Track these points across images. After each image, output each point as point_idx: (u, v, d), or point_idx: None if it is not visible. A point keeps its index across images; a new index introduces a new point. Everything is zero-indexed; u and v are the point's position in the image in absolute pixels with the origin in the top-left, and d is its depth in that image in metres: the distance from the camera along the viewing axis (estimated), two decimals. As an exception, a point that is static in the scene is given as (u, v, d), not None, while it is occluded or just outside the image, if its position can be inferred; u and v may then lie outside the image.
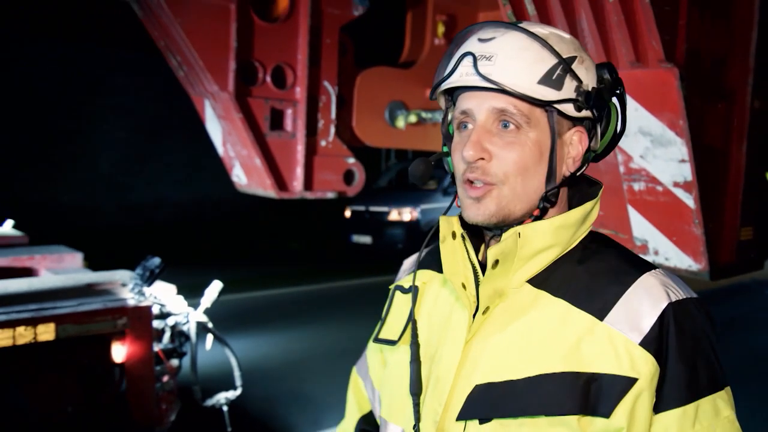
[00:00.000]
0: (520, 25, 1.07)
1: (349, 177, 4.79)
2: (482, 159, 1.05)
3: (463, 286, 1.10)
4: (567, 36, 1.10)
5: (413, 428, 1.10)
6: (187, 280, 4.93)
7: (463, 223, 1.14)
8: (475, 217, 1.07)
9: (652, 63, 2.04)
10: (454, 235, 1.13)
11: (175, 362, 2.53)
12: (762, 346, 7.01)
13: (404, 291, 1.25)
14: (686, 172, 2.25)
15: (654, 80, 2.06)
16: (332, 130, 4.68)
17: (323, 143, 4.66)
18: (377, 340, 1.26)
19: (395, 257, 1.41)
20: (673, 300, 1.02)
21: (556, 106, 1.04)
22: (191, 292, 3.67)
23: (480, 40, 1.07)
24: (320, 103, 4.64)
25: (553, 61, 1.03)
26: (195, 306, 2.58)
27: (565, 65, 1.04)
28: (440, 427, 1.07)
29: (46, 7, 10.35)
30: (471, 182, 1.08)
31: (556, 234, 1.07)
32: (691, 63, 2.24)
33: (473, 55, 1.04)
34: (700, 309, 1.04)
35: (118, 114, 12.25)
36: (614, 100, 1.14)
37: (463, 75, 1.05)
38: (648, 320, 0.99)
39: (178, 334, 2.49)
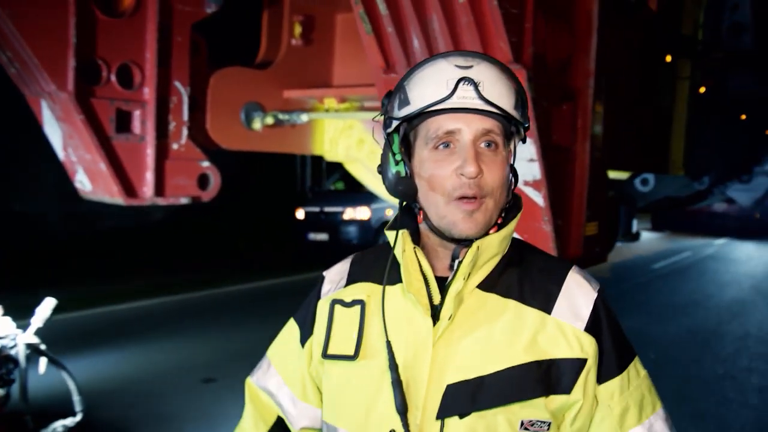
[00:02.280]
0: (476, 56, 1.20)
1: (203, 181, 4.58)
2: (480, 176, 1.14)
3: (420, 295, 1.20)
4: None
5: None
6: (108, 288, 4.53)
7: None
8: (469, 231, 1.17)
9: (501, 64, 2.08)
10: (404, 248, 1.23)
11: (0, 391, 2.26)
12: (629, 325, 7.56)
13: (346, 305, 1.29)
14: (535, 171, 2.31)
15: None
16: (184, 132, 4.46)
17: (175, 146, 4.43)
18: (328, 356, 1.28)
19: (350, 251, 1.40)
20: (596, 290, 1.25)
21: (521, 128, 1.21)
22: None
23: (458, 66, 1.16)
24: (171, 104, 4.41)
25: (515, 89, 1.18)
26: (24, 327, 2.32)
27: (524, 95, 1.20)
28: (421, 428, 1.16)
29: None
30: (464, 198, 1.16)
31: (501, 243, 1.22)
32: (538, 65, 2.31)
33: (472, 80, 1.14)
34: (605, 295, 1.27)
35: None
36: None
37: (462, 98, 1.14)
38: (585, 309, 1.21)
39: (4, 359, 2.22)
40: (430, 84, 1.17)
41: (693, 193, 7.70)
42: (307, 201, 13.70)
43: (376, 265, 1.31)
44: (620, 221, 5.78)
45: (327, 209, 13.09)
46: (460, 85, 1.14)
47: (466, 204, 1.16)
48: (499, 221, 1.21)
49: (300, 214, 13.25)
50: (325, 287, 1.37)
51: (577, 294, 1.22)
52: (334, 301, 1.31)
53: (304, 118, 4.87)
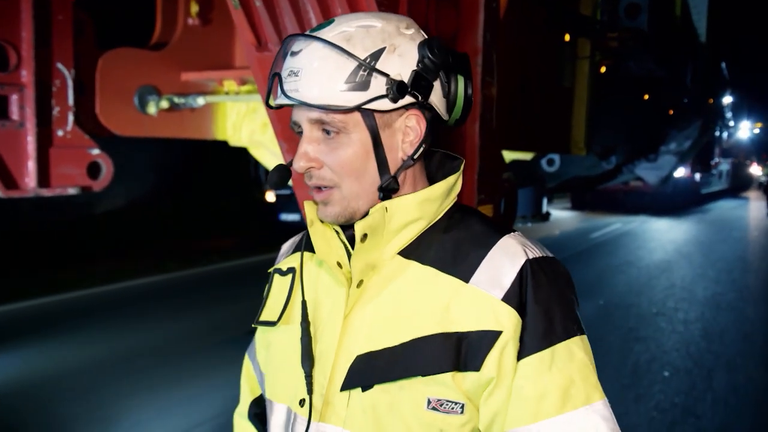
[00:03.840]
0: (327, 28, 1.09)
1: (94, 170, 4.31)
2: (312, 167, 1.11)
3: (339, 264, 1.16)
4: (378, 25, 1.10)
5: (299, 403, 1.15)
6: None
7: None
8: (325, 219, 1.15)
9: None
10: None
11: None
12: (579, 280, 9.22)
13: (282, 273, 1.30)
14: (418, 152, 2.22)
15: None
16: (70, 118, 4.17)
17: (60, 133, 4.15)
18: (258, 323, 1.29)
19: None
20: (530, 257, 1.11)
21: (367, 106, 1.07)
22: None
23: (291, 53, 1.10)
24: (54, 88, 4.11)
25: (353, 64, 1.06)
26: None
27: (366, 66, 1.06)
28: (326, 399, 1.12)
29: None
30: (316, 187, 1.13)
31: (421, 207, 1.14)
32: (419, 42, 2.21)
33: (279, 74, 1.10)
34: (554, 265, 1.13)
35: None
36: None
37: (277, 94, 1.12)
38: (508, 277, 1.08)
39: None
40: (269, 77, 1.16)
41: (602, 172, 7.87)
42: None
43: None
44: (528, 202, 5.82)
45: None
46: (274, 79, 1.13)
47: (317, 194, 1.14)
48: (377, 203, 1.12)
49: (270, 196, 13.70)
50: (278, 258, 1.39)
51: (503, 260, 1.10)
52: (275, 270, 1.33)
53: (201, 101, 4.66)
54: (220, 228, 14.52)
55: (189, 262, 10.89)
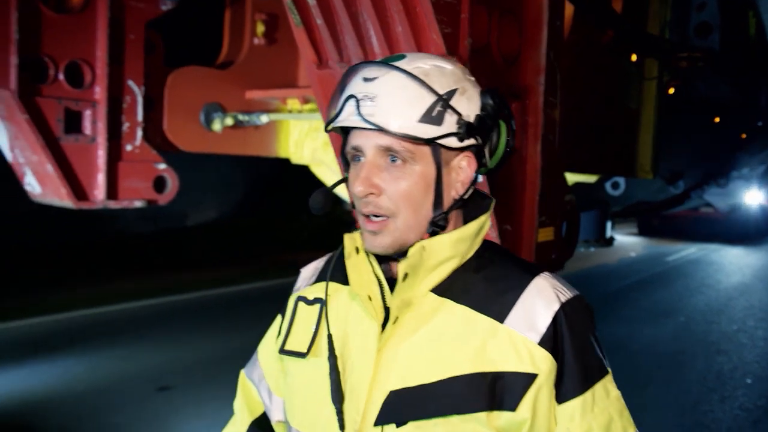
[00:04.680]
0: (403, 61, 1.13)
1: (160, 184, 4.43)
2: (372, 194, 1.12)
3: (369, 298, 1.17)
4: (449, 67, 1.16)
5: None
6: None
7: None
8: (374, 249, 1.15)
9: (436, 58, 1.95)
10: (357, 251, 1.21)
11: None
12: (659, 299, 10.38)
13: (308, 302, 1.29)
14: (477, 172, 2.19)
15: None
16: (139, 133, 4.31)
17: (129, 148, 4.28)
18: (283, 352, 1.28)
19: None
20: (563, 301, 1.14)
21: (439, 141, 1.10)
22: None
23: (365, 79, 1.12)
24: (124, 105, 4.26)
25: (432, 98, 1.09)
26: None
27: (444, 102, 1.10)
28: None
29: None
30: (367, 216, 1.14)
31: (455, 246, 1.16)
32: (480, 59, 2.18)
33: (356, 97, 1.11)
34: (583, 305, 1.17)
35: None
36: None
37: (348, 115, 1.12)
38: (543, 321, 1.11)
39: None
40: (334, 98, 1.18)
41: (669, 198, 7.62)
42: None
43: (343, 265, 1.27)
44: (592, 226, 5.68)
45: None
46: (349, 101, 1.12)
47: (368, 223, 1.15)
48: (425, 237, 1.15)
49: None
50: (298, 283, 1.39)
51: (537, 303, 1.13)
52: (299, 298, 1.32)
53: (264, 119, 4.74)
54: (305, 242, 14.67)
55: (279, 272, 11.00)
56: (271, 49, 5.07)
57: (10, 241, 10.29)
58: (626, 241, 18.18)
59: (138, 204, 4.35)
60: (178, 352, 6.69)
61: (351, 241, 1.22)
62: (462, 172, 1.17)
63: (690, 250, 16.96)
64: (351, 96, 1.12)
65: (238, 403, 1.47)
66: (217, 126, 4.72)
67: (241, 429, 1.44)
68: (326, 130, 1.21)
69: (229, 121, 4.71)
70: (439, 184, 1.13)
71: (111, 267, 10.83)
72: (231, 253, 12.96)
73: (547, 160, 2.60)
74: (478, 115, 1.14)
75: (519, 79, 2.46)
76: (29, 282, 9.38)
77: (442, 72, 1.14)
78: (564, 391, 1.11)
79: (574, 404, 1.11)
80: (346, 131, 1.20)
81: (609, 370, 1.18)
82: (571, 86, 3.13)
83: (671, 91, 5.35)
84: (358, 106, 1.10)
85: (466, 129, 1.12)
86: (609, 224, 6.06)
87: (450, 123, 1.11)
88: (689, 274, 13.22)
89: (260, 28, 5.03)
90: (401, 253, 1.17)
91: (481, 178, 1.22)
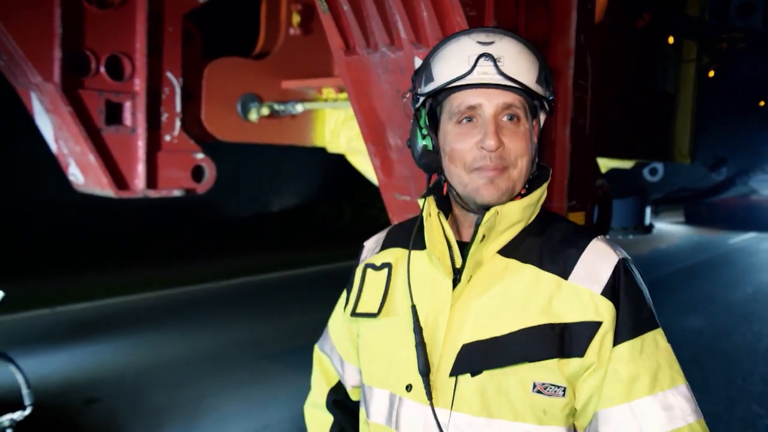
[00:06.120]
0: (497, 32, 1.23)
1: (198, 173, 4.53)
2: (500, 148, 1.19)
3: (444, 257, 1.25)
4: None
5: (406, 388, 1.24)
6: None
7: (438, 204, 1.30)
8: (490, 197, 1.21)
9: (460, 41, 1.95)
10: (430, 215, 1.29)
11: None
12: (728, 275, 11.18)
13: (376, 268, 1.38)
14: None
15: (464, 60, 1.97)
16: (177, 124, 4.41)
17: (168, 138, 4.38)
18: (355, 314, 1.37)
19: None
20: (621, 257, 1.24)
21: (545, 102, 1.25)
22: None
23: (480, 42, 1.20)
24: (163, 96, 4.36)
25: (539, 64, 1.22)
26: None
27: (548, 69, 1.25)
28: (434, 384, 1.21)
29: None
30: (485, 168, 1.21)
31: (524, 211, 1.25)
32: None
33: (492, 56, 1.18)
34: (636, 266, 1.26)
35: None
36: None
37: (483, 74, 1.18)
38: (605, 274, 1.20)
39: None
40: (452, 60, 1.22)
41: (713, 184, 7.45)
42: None
43: (407, 232, 1.37)
44: (629, 213, 5.60)
45: None
46: (480, 60, 1.19)
47: (487, 171, 1.21)
48: (522, 191, 1.26)
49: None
50: (363, 254, 1.48)
51: (597, 260, 1.22)
52: (367, 266, 1.41)
53: (299, 108, 4.79)
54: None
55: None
56: (306, 38, 5.11)
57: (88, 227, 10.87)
58: (671, 229, 17.81)
59: (177, 193, 4.45)
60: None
61: (427, 204, 1.30)
62: (535, 134, 1.27)
63: (751, 234, 16.80)
64: (485, 54, 1.19)
65: (315, 375, 1.58)
66: (253, 116, 4.79)
67: (319, 399, 1.55)
68: (428, 94, 1.27)
69: (265, 111, 4.77)
70: (539, 140, 1.27)
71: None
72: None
73: (577, 144, 2.59)
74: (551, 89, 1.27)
75: (548, 62, 2.43)
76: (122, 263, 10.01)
77: (530, 46, 1.26)
78: (618, 335, 1.18)
79: (624, 347, 1.18)
80: (435, 97, 1.28)
81: (659, 326, 1.24)
82: (603, 69, 3.09)
83: (711, 73, 5.22)
84: (496, 65, 1.18)
85: (552, 95, 1.26)
86: (648, 211, 5.95)
87: (548, 87, 1.25)
88: (753, 254, 13.72)
89: (296, 18, 5.08)
90: (477, 213, 1.27)
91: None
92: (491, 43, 1.20)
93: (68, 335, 6.70)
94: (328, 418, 1.52)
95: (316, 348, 1.60)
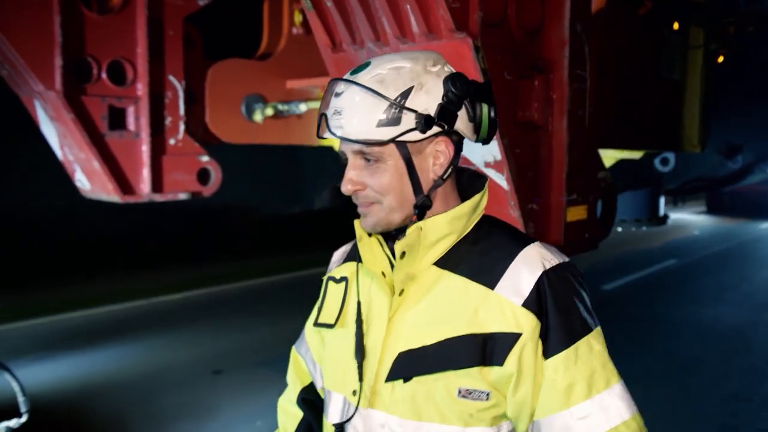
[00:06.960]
0: (364, 71, 1.26)
1: (203, 176, 4.53)
2: (358, 190, 1.28)
3: (383, 274, 1.34)
4: (408, 66, 1.27)
5: (352, 393, 1.36)
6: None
7: None
8: (367, 227, 1.32)
9: (445, 34, 1.91)
10: (370, 234, 1.37)
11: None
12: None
13: (336, 281, 1.49)
14: (495, 150, 2.15)
15: (449, 53, 1.93)
16: (181, 127, 4.41)
17: (172, 142, 4.39)
18: (317, 324, 1.49)
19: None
20: (547, 267, 1.27)
21: (399, 138, 1.24)
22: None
23: (335, 95, 1.27)
24: (166, 100, 4.36)
25: (386, 104, 1.23)
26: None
27: (396, 105, 1.23)
28: (374, 389, 1.32)
29: None
30: (358, 203, 1.31)
31: (451, 224, 1.31)
32: (496, 33, 2.13)
33: (325, 114, 1.26)
34: (569, 270, 1.30)
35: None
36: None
37: (336, 128, 1.26)
38: (527, 286, 1.25)
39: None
40: (321, 110, 1.32)
41: (729, 173, 7.31)
42: None
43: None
44: (642, 205, 5.50)
45: None
46: (331, 115, 1.26)
47: (359, 207, 1.32)
48: (413, 219, 1.30)
49: None
50: (330, 266, 1.58)
51: (523, 271, 1.27)
52: (329, 278, 1.52)
53: (303, 107, 4.77)
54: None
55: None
56: (309, 37, 5.07)
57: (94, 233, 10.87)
58: (692, 219, 17.59)
59: (182, 196, 4.46)
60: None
61: (359, 225, 1.37)
62: (441, 155, 1.29)
63: (762, 227, 16.47)
64: (322, 114, 1.28)
65: (290, 374, 1.67)
66: (258, 117, 4.79)
67: (292, 396, 1.65)
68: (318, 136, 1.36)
69: (270, 112, 4.76)
70: (412, 173, 1.28)
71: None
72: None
73: (575, 136, 2.53)
74: (440, 104, 1.25)
75: (542, 53, 2.39)
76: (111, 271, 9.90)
77: (399, 74, 1.25)
78: (550, 347, 1.25)
79: (559, 358, 1.25)
80: None
81: (594, 327, 1.30)
82: (604, 59, 3.02)
83: (720, 59, 5.11)
84: (327, 123, 1.26)
85: (424, 121, 1.23)
86: (662, 202, 5.85)
87: (408, 120, 1.23)
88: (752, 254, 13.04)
89: (298, 18, 5.06)
90: (401, 233, 1.32)
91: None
92: (341, 94, 1.26)
93: (69, 342, 6.75)
94: (298, 414, 1.63)
95: (293, 349, 1.70)
